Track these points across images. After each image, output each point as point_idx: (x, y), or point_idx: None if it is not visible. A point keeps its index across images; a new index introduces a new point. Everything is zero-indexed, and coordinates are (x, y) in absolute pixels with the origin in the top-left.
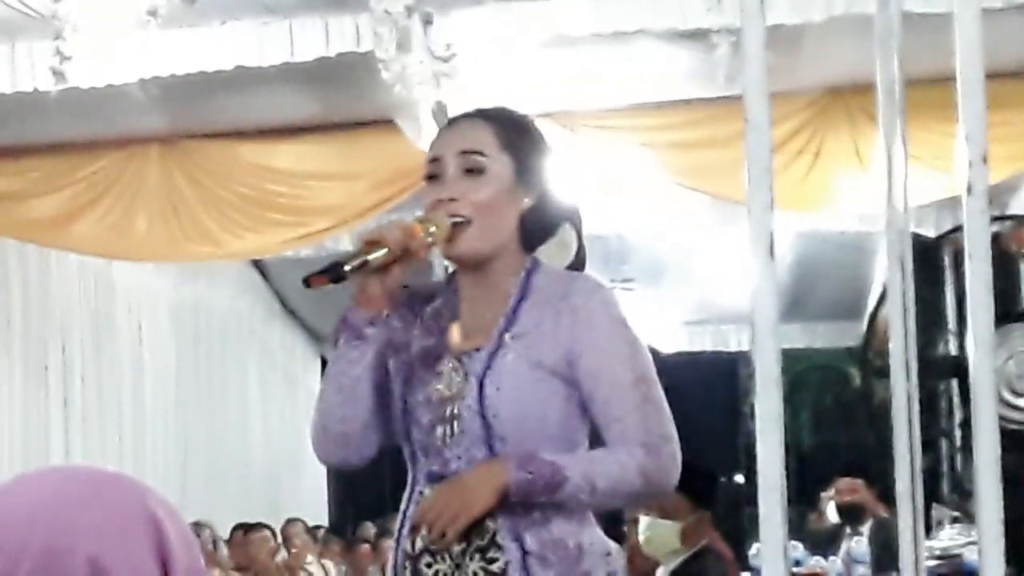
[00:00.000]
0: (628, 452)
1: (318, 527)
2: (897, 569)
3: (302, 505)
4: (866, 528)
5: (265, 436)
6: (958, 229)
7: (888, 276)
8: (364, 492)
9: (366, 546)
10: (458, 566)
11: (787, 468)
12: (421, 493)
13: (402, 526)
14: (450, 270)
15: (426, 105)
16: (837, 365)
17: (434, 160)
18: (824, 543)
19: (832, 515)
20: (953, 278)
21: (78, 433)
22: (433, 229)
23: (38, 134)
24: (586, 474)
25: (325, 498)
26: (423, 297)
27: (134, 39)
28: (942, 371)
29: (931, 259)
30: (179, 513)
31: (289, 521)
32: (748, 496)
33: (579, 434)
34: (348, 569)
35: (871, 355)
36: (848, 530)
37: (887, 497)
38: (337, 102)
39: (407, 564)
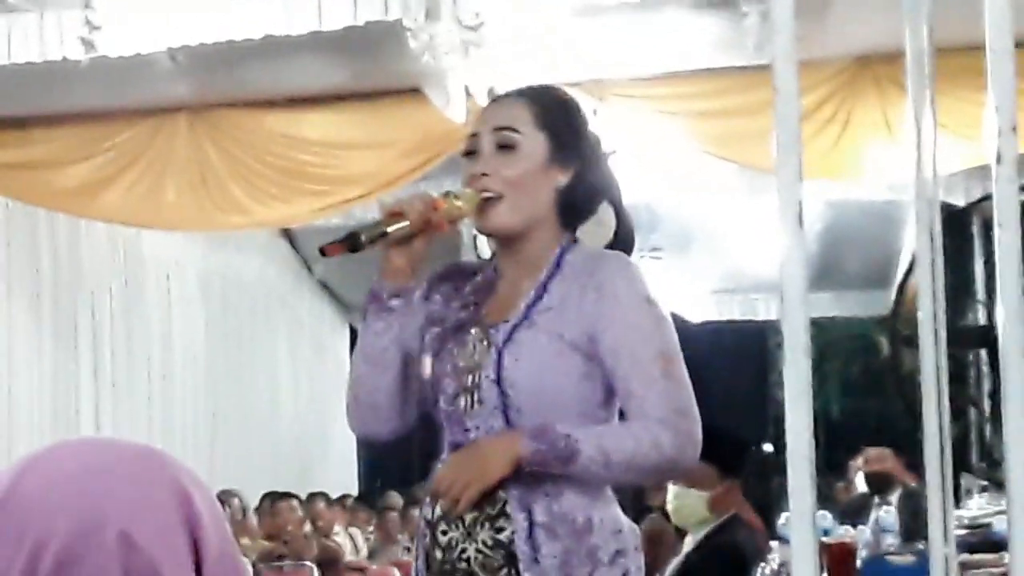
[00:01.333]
0: (644, 426)
1: (346, 496)
2: (926, 538)
3: (331, 473)
4: (894, 497)
5: (294, 405)
6: (987, 198)
7: (917, 245)
8: (393, 460)
9: (394, 514)
10: (469, 534)
11: (815, 437)
12: (443, 462)
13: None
14: (477, 240)
15: (454, 74)
16: (866, 334)
17: (472, 136)
18: (853, 512)
19: (861, 485)
20: (982, 247)
21: (108, 402)
22: (459, 203)
23: (66, 103)
24: (600, 447)
25: (354, 466)
26: (468, 273)
27: (162, 8)
28: (971, 340)
29: (960, 228)
30: (208, 488)
31: (311, 496)
32: (776, 465)
33: (602, 410)
34: (377, 537)
35: (900, 324)
36: (877, 499)
37: (915, 466)
38: (365, 71)
39: (427, 531)
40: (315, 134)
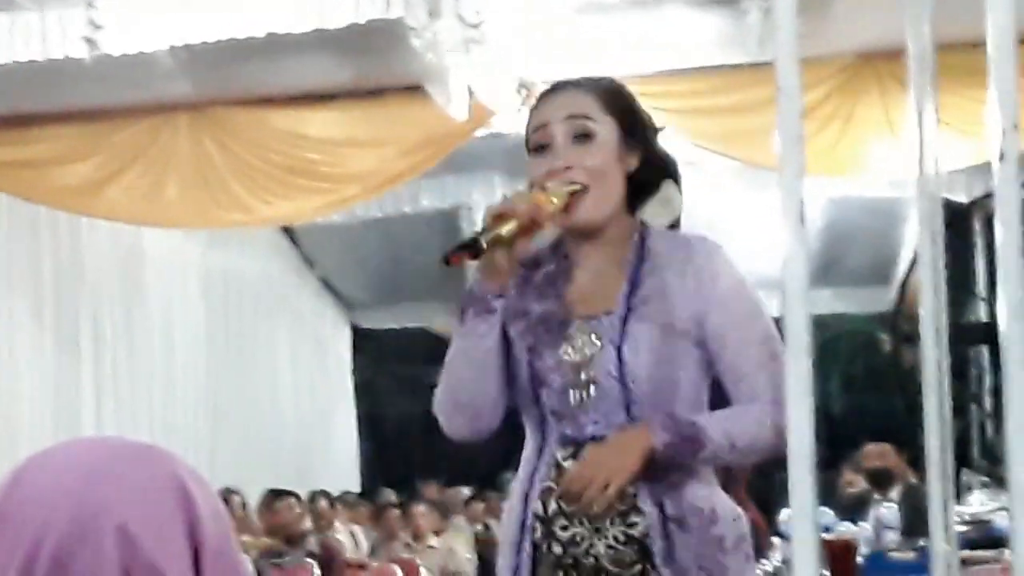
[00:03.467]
0: (761, 408)
1: (347, 493)
2: (927, 534)
3: (332, 471)
4: (895, 494)
5: (295, 402)
6: (989, 195)
7: (919, 242)
8: (394, 457)
9: (395, 511)
10: (597, 529)
11: (816, 433)
12: (554, 456)
13: (530, 487)
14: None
15: (456, 71)
16: (867, 330)
17: (540, 128)
18: (853, 508)
19: (861, 483)
20: (984, 244)
21: (109, 400)
22: (555, 199)
23: (69, 102)
24: (726, 432)
25: (356, 463)
26: (528, 263)
27: (165, 6)
28: (973, 337)
29: (962, 225)
30: (210, 486)
31: (313, 495)
32: (778, 462)
33: (705, 394)
34: (378, 534)
35: (901, 320)
36: (877, 495)
37: (917, 462)
38: (367, 69)
39: (538, 526)
40: (317, 132)
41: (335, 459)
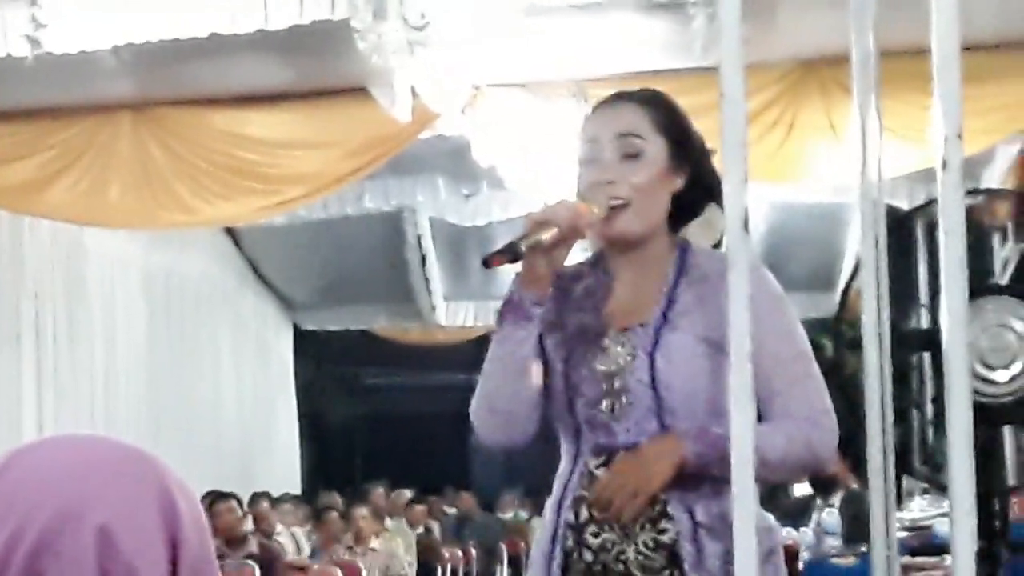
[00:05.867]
0: (795, 425)
1: (287, 495)
2: (867, 540)
3: (274, 473)
4: (837, 499)
5: (237, 404)
6: (932, 202)
7: (861, 247)
8: (335, 460)
9: (334, 514)
10: (627, 535)
11: None
12: (586, 465)
13: (563, 497)
14: (421, 240)
15: (400, 73)
16: (810, 336)
17: (590, 142)
18: (795, 514)
19: (802, 487)
20: (926, 251)
21: (50, 400)
22: (595, 210)
23: (10, 100)
24: (757, 447)
25: (297, 466)
26: (568, 276)
27: (108, 6)
28: (914, 343)
29: (904, 231)
30: (196, 498)
31: (255, 496)
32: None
33: None
34: (318, 537)
35: (844, 326)
36: (819, 501)
37: (858, 469)
38: (311, 70)
39: (569, 534)
40: (260, 133)
41: (276, 460)
